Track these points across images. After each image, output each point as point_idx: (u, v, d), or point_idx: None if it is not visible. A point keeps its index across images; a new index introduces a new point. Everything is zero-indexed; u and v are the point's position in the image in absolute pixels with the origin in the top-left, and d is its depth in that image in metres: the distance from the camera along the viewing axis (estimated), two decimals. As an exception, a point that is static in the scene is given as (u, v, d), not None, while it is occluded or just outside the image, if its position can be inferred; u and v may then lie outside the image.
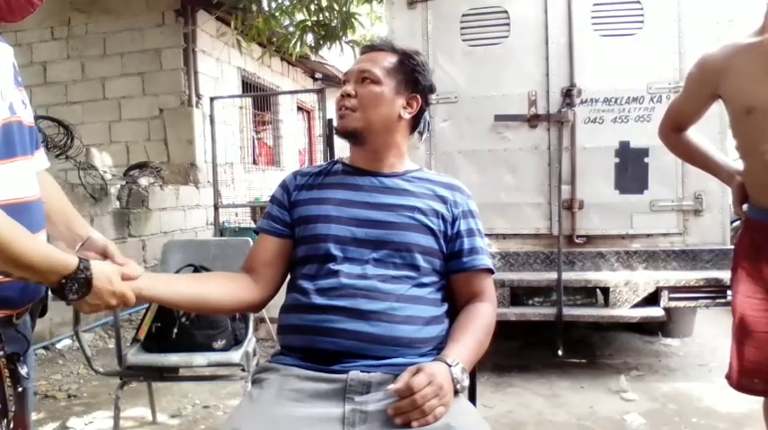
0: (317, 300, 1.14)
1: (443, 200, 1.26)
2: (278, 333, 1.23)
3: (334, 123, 1.29)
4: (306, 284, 1.18)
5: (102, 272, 0.93)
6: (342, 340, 1.11)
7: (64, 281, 0.89)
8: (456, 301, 1.27)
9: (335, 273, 1.16)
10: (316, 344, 1.13)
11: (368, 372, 1.08)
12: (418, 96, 1.28)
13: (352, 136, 1.25)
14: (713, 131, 3.00)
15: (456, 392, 1.04)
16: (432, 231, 1.22)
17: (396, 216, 1.21)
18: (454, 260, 1.25)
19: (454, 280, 1.26)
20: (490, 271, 1.27)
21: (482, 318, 1.20)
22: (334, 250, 1.18)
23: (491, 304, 1.25)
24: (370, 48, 1.33)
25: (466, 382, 1.07)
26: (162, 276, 1.13)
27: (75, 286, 0.90)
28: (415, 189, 1.26)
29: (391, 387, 1.01)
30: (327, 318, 1.12)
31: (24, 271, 0.87)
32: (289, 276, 1.28)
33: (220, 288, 1.19)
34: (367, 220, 1.20)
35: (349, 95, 1.24)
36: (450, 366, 1.04)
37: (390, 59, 1.27)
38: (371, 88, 1.24)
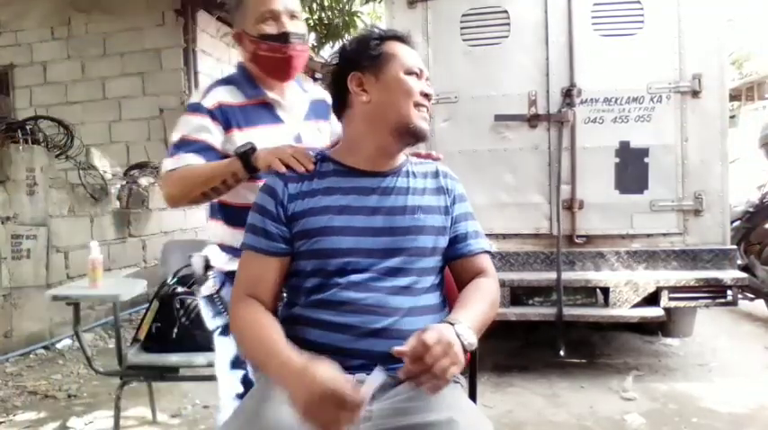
0: (326, 315, 1.11)
1: (439, 190, 1.25)
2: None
3: (414, 120, 1.18)
4: (313, 297, 1.14)
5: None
6: (352, 359, 1.08)
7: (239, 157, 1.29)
8: (457, 285, 1.25)
9: (342, 287, 1.12)
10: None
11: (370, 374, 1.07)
12: None
13: (424, 140, 1.22)
14: (714, 131, 3.02)
15: (465, 351, 1.00)
16: (436, 230, 1.20)
17: (400, 220, 1.17)
18: (453, 246, 1.23)
19: (454, 266, 1.25)
20: (489, 253, 1.27)
21: (486, 291, 1.18)
22: (339, 265, 1.13)
23: (494, 279, 1.23)
24: (407, 40, 1.26)
25: (473, 339, 1.03)
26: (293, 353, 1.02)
27: (243, 150, 1.29)
28: (413, 185, 1.23)
29: (398, 349, 0.96)
30: (338, 337, 1.09)
31: (224, 175, 1.32)
32: (289, 285, 1.22)
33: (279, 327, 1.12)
34: (371, 228, 1.16)
35: (428, 96, 1.21)
36: (453, 325, 1.02)
37: None
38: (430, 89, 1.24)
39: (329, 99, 1.51)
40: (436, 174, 1.28)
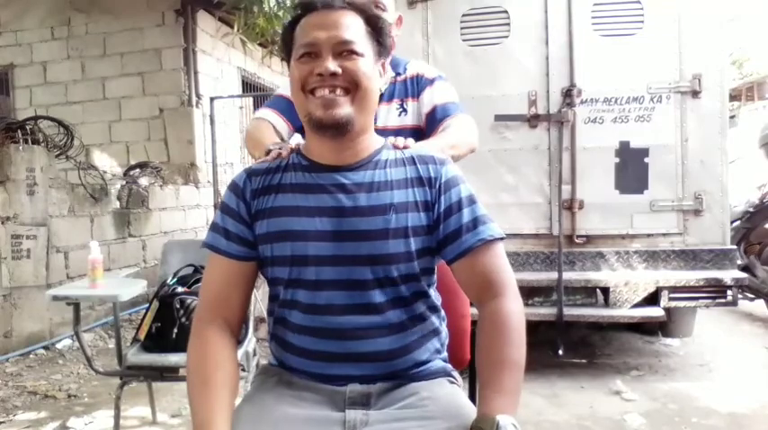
0: (307, 343, 1.04)
1: (420, 181, 1.06)
2: (274, 359, 1.14)
3: (313, 111, 1.00)
4: (290, 317, 1.06)
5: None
6: (340, 382, 1.04)
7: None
8: (467, 294, 1.09)
9: (318, 308, 1.02)
10: (308, 380, 1.07)
11: (367, 385, 1.05)
12: (383, 60, 1.09)
13: (343, 127, 1.00)
14: (714, 131, 3.02)
15: None
16: (413, 230, 1.03)
17: (369, 221, 1.01)
18: (446, 247, 1.04)
19: (454, 270, 1.06)
20: (496, 241, 1.04)
21: (506, 329, 0.98)
22: (306, 274, 1.02)
23: (507, 296, 1.01)
24: (325, 6, 1.03)
25: None
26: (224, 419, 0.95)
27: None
28: (385, 178, 1.05)
29: None
30: (322, 365, 1.04)
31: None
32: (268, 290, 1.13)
33: (233, 383, 1.02)
34: (338, 232, 1.01)
35: (334, 74, 0.98)
36: None
37: (357, 21, 1.03)
38: (360, 63, 1.00)
39: (428, 73, 1.62)
40: (420, 161, 1.08)
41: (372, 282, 1.02)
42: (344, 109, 1.00)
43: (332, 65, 0.98)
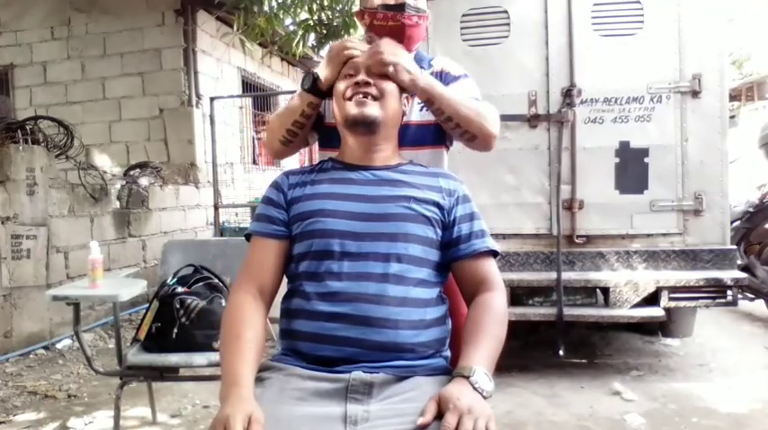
0: (320, 306, 1.12)
1: (437, 188, 1.25)
2: (281, 337, 1.21)
3: (350, 110, 1.25)
4: (307, 287, 1.15)
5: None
6: (345, 347, 1.10)
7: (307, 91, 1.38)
8: (462, 291, 1.24)
9: (336, 275, 1.13)
10: (319, 351, 1.12)
11: (370, 373, 1.08)
12: (407, 95, 1.35)
13: (371, 124, 1.24)
14: (713, 131, 3.02)
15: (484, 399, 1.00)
16: (428, 220, 1.20)
17: (391, 207, 1.19)
18: (453, 247, 1.22)
19: (456, 268, 1.23)
20: (493, 253, 1.24)
21: (492, 310, 1.15)
22: (331, 246, 1.16)
23: (498, 291, 1.20)
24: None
25: (490, 387, 1.02)
26: (250, 383, 1.06)
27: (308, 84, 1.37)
28: (408, 179, 1.25)
29: (421, 422, 0.95)
30: (331, 326, 1.11)
31: (301, 106, 1.39)
32: (288, 273, 1.25)
33: (260, 341, 1.15)
34: (362, 214, 1.18)
35: (368, 84, 1.25)
36: (468, 377, 1.01)
37: None
38: (388, 82, 1.27)
39: (454, 71, 1.58)
40: (441, 176, 1.30)
41: (393, 256, 1.15)
42: (373, 109, 1.24)
43: (365, 77, 1.25)
